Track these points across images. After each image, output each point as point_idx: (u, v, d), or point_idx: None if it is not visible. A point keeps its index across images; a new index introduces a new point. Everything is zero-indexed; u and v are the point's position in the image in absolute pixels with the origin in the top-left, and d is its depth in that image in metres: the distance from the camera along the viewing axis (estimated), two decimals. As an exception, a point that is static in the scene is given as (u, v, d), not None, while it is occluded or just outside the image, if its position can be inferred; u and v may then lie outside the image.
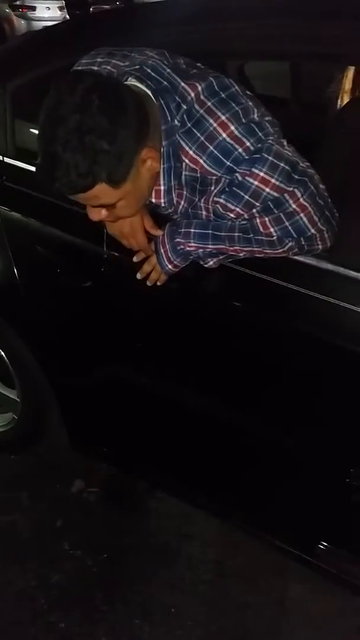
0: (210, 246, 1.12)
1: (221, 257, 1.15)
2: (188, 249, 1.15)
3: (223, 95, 1.00)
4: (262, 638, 1.55)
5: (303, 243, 1.06)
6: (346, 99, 1.87)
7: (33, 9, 11.35)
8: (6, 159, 1.48)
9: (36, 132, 1.56)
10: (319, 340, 1.17)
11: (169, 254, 1.18)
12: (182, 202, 1.14)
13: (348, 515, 1.33)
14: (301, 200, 1.01)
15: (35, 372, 1.70)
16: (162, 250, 1.19)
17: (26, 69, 1.47)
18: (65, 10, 11.78)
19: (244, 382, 1.32)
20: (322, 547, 1.40)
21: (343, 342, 1.13)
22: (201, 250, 1.14)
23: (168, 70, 1.03)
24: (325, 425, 1.24)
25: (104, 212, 1.05)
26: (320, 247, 1.08)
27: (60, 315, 1.58)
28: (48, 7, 11.52)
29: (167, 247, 1.17)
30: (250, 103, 1.02)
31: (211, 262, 1.16)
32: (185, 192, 1.11)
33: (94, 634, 1.54)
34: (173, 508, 1.85)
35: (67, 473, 1.97)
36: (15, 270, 1.53)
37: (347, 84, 1.88)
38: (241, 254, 1.12)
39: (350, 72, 1.89)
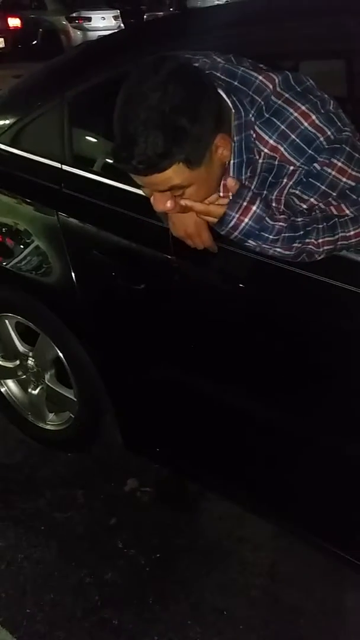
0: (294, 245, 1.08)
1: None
2: (264, 246, 1.10)
3: (299, 89, 1.03)
4: (316, 646, 1.53)
5: None
6: None
7: (89, 19, 11.65)
8: (64, 167, 1.53)
9: (93, 140, 1.62)
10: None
11: (240, 232, 1.08)
12: None
13: None
14: None
15: (90, 373, 1.75)
16: (236, 216, 1.06)
17: (83, 78, 1.52)
18: (120, 19, 12.06)
19: (301, 384, 1.31)
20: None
21: None
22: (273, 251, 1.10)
23: (242, 68, 1.06)
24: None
25: (169, 203, 1.05)
26: None
27: (115, 317, 1.61)
28: (103, 18, 11.80)
29: (240, 233, 1.08)
30: (326, 95, 1.04)
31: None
32: (252, 186, 1.09)
33: (147, 632, 1.56)
34: (225, 510, 1.85)
35: (121, 472, 2.02)
36: (73, 274, 1.58)
37: None
38: (320, 249, 1.08)
39: None
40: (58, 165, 1.54)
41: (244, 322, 1.34)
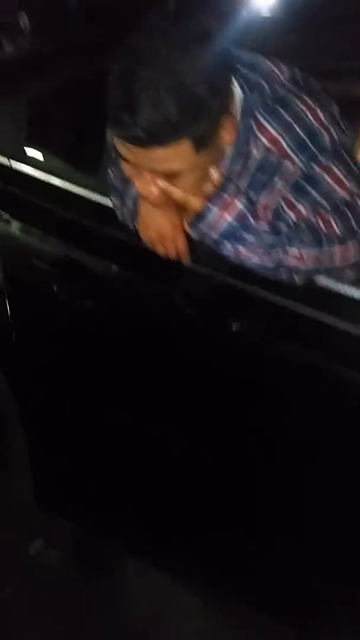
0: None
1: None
2: (242, 250, 1.00)
3: (305, 84, 0.99)
4: None
5: None
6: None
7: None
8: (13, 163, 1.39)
9: (48, 137, 1.49)
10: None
11: (219, 233, 0.99)
12: None
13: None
14: None
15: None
16: (218, 211, 0.98)
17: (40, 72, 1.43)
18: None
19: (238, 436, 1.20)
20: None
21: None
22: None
23: (246, 53, 1.00)
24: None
25: (155, 189, 0.92)
26: None
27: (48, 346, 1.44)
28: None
29: (218, 233, 0.99)
30: (329, 98, 1.01)
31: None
32: (242, 186, 1.00)
33: None
34: (146, 573, 1.61)
35: (27, 532, 1.73)
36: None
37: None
38: (303, 263, 1.00)
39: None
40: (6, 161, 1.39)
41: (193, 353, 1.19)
